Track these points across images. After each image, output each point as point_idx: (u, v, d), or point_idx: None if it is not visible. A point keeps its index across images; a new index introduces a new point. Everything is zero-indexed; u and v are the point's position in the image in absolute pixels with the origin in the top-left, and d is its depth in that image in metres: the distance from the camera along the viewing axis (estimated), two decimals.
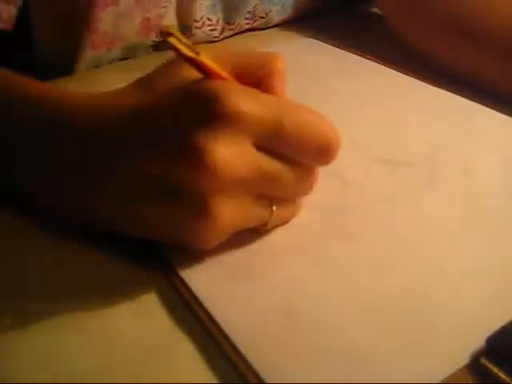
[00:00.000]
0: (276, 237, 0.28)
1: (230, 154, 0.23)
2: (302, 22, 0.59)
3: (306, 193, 0.28)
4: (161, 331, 0.24)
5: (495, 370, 0.21)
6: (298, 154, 0.25)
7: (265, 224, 0.27)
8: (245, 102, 0.23)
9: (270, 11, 0.56)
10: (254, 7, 0.54)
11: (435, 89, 0.43)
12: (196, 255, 0.27)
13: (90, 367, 0.22)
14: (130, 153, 0.25)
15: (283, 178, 0.25)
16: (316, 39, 0.54)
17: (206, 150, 0.22)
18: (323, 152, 0.25)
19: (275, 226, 0.28)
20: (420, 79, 0.44)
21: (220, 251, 0.27)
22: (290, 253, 0.27)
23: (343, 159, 0.34)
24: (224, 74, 0.25)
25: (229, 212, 0.24)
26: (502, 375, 0.21)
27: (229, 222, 0.24)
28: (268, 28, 0.58)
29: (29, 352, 0.23)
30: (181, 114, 0.24)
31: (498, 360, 0.21)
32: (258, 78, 0.27)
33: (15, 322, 0.24)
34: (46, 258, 0.28)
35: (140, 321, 0.24)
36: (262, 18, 0.56)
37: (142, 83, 0.28)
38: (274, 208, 0.26)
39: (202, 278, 0.26)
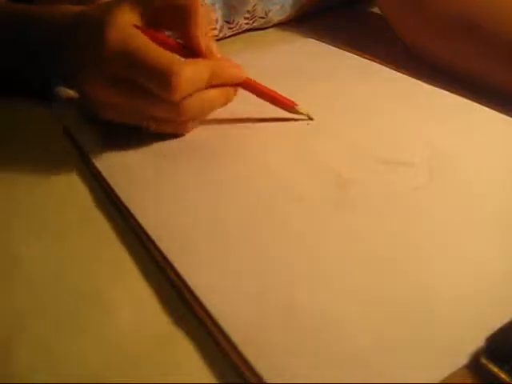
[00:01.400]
0: (277, 238, 0.28)
1: (98, 76, 0.33)
2: (302, 22, 0.59)
3: (173, 118, 0.34)
4: (161, 330, 0.24)
5: (495, 369, 0.21)
6: (145, 83, 0.32)
7: (147, 128, 0.35)
8: (113, 41, 0.31)
9: (270, 11, 0.56)
10: (254, 7, 0.54)
11: (435, 89, 0.43)
12: (195, 254, 0.27)
13: (90, 367, 0.22)
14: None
15: (141, 101, 0.33)
16: (316, 39, 0.54)
17: (85, 71, 0.33)
18: (160, 82, 0.31)
19: (158, 132, 0.35)
20: (420, 79, 0.44)
21: (220, 248, 0.27)
22: (290, 252, 0.27)
23: (344, 158, 0.34)
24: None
25: (111, 114, 0.35)
26: (502, 375, 0.21)
27: (113, 119, 0.35)
28: (268, 28, 0.59)
29: (30, 352, 0.23)
30: (86, 39, 0.33)
31: (497, 360, 0.21)
32: (176, 19, 0.34)
33: (15, 321, 0.24)
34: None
35: (140, 320, 0.24)
36: (262, 17, 0.56)
37: None
38: (152, 122, 0.35)
39: (201, 277, 0.26)
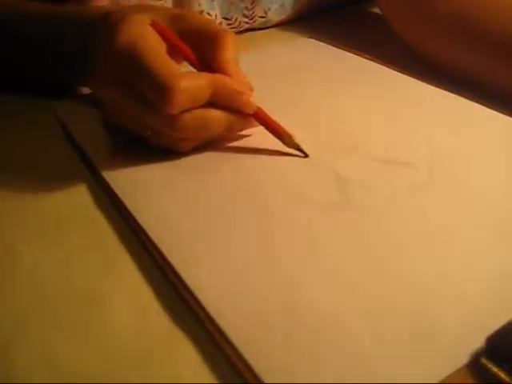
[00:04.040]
0: (278, 236, 0.28)
1: (107, 79, 0.33)
2: (302, 21, 0.59)
3: (169, 133, 0.33)
4: (161, 331, 0.24)
5: (495, 369, 0.21)
6: (145, 91, 0.31)
7: (145, 138, 0.34)
8: (121, 43, 0.31)
9: (269, 9, 0.56)
10: (253, 3, 0.54)
11: (435, 89, 0.43)
12: (194, 253, 0.27)
13: (90, 367, 0.22)
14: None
15: (139, 110, 0.32)
16: (316, 39, 0.54)
17: (98, 72, 0.34)
18: (156, 90, 0.31)
19: (157, 145, 0.34)
20: (420, 79, 0.44)
21: (220, 248, 0.27)
22: (289, 251, 0.27)
23: (343, 158, 0.34)
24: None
25: (117, 118, 0.34)
26: (502, 375, 0.21)
27: (119, 122, 0.34)
28: (268, 28, 0.59)
29: (29, 352, 0.23)
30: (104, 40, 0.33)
31: (497, 360, 0.21)
32: (206, 42, 0.34)
33: (15, 321, 0.25)
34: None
35: (140, 321, 0.24)
36: (262, 17, 0.56)
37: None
38: (148, 132, 0.33)
39: (201, 277, 0.26)
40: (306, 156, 0.34)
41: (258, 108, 0.34)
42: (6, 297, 0.26)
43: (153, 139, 0.34)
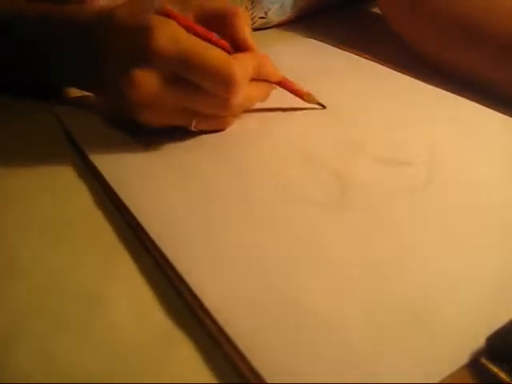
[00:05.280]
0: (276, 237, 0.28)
1: (148, 78, 0.32)
2: (302, 22, 0.59)
3: (222, 114, 0.36)
4: (161, 330, 0.24)
5: (495, 369, 0.21)
6: (202, 81, 0.32)
7: (189, 126, 0.36)
8: (163, 41, 0.31)
9: (269, 10, 0.56)
10: (252, 4, 0.54)
11: (435, 89, 0.43)
12: (194, 252, 0.27)
13: (90, 367, 0.22)
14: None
15: (193, 99, 0.33)
16: (316, 39, 0.54)
17: (132, 74, 0.32)
18: (220, 81, 0.32)
19: (201, 130, 0.36)
20: (420, 79, 0.44)
21: (220, 247, 0.27)
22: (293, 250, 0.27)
23: (343, 158, 0.34)
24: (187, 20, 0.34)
25: (153, 117, 0.34)
26: (502, 375, 0.21)
27: (153, 121, 0.35)
28: (268, 28, 0.59)
29: (29, 352, 0.23)
30: (126, 41, 0.33)
31: (497, 360, 0.21)
32: (223, 25, 0.36)
33: (14, 321, 0.25)
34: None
35: (140, 320, 0.24)
36: (262, 18, 0.56)
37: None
38: (194, 120, 0.35)
39: (201, 276, 0.26)
40: (324, 107, 0.40)
41: (283, 76, 0.39)
42: (5, 297, 0.26)
43: (200, 125, 0.36)
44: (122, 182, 0.32)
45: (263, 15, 0.56)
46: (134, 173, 0.33)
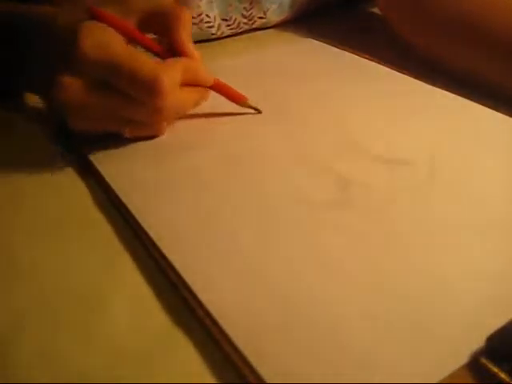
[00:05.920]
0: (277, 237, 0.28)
1: (74, 83, 0.32)
2: (302, 22, 0.59)
3: (152, 121, 0.36)
4: (161, 330, 0.24)
5: (495, 369, 0.21)
6: (128, 89, 0.32)
7: (122, 133, 0.35)
8: (88, 47, 0.32)
9: (268, 10, 0.56)
10: (251, 4, 0.54)
11: (435, 88, 0.43)
12: (194, 252, 0.27)
13: (90, 367, 0.22)
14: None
15: (121, 106, 0.33)
16: (316, 39, 0.54)
17: (59, 78, 0.32)
18: (146, 89, 0.32)
19: (135, 137, 0.36)
20: (419, 79, 0.44)
21: (220, 247, 0.27)
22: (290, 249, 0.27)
23: (343, 158, 0.34)
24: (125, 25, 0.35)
25: (84, 123, 0.34)
26: (502, 375, 0.21)
27: (86, 127, 0.34)
28: (267, 28, 0.59)
29: (29, 352, 0.23)
30: (58, 45, 0.33)
31: (497, 360, 0.21)
32: (165, 26, 0.36)
33: (15, 321, 0.25)
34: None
35: (140, 320, 0.24)
36: (261, 18, 0.56)
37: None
38: (127, 127, 0.35)
39: (201, 276, 0.26)
40: (260, 112, 0.40)
41: (215, 79, 0.38)
42: (5, 297, 0.26)
43: (132, 131, 0.35)
44: (122, 182, 0.32)
45: (262, 15, 0.56)
46: (134, 173, 0.33)
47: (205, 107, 0.39)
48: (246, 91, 0.39)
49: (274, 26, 0.59)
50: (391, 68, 0.47)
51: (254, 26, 0.57)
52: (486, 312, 0.24)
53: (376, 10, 0.61)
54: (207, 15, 0.52)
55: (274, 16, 0.57)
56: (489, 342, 0.22)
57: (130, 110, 0.34)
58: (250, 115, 0.39)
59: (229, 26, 0.55)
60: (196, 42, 0.53)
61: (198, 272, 0.26)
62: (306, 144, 0.36)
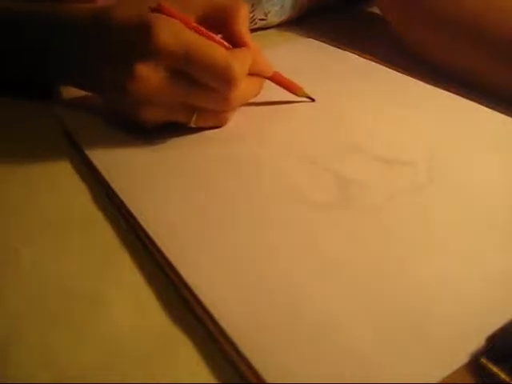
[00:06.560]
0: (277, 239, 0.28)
1: (151, 73, 0.33)
2: (302, 22, 0.59)
3: (221, 109, 0.36)
4: (161, 330, 0.24)
5: (495, 369, 0.21)
6: (202, 76, 0.33)
7: (188, 123, 0.36)
8: (165, 37, 0.32)
9: (269, 12, 0.56)
10: (253, 6, 0.55)
11: (435, 88, 0.43)
12: (194, 253, 0.27)
13: (90, 367, 0.22)
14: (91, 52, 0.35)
15: (194, 94, 0.34)
16: (316, 39, 0.54)
17: (135, 69, 0.32)
18: (220, 76, 0.33)
19: (201, 127, 0.37)
20: (420, 79, 0.44)
21: (220, 248, 0.27)
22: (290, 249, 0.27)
23: (343, 158, 0.34)
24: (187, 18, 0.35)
25: (153, 113, 0.35)
26: (502, 375, 0.21)
27: (154, 117, 0.35)
28: (268, 28, 0.59)
29: (29, 352, 0.23)
30: (126, 38, 0.33)
31: (497, 359, 0.21)
32: (223, 21, 0.37)
33: (15, 321, 0.25)
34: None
35: (140, 320, 0.24)
36: (262, 19, 0.56)
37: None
38: (195, 115, 0.36)
39: (201, 276, 0.26)
40: (313, 100, 0.41)
41: (275, 71, 0.40)
42: (5, 297, 0.26)
43: (200, 121, 0.36)
44: (122, 182, 0.32)
45: (263, 17, 0.56)
46: (134, 173, 0.33)
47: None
48: None
49: (274, 27, 0.59)
50: (391, 68, 0.47)
51: (254, 27, 0.57)
52: (486, 312, 0.24)
53: (376, 10, 0.61)
54: None
55: (275, 17, 0.57)
56: (489, 342, 0.22)
57: (202, 98, 0.34)
58: (249, 115, 0.39)
59: None
60: None
61: (198, 272, 0.26)
62: (305, 144, 0.36)
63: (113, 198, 0.32)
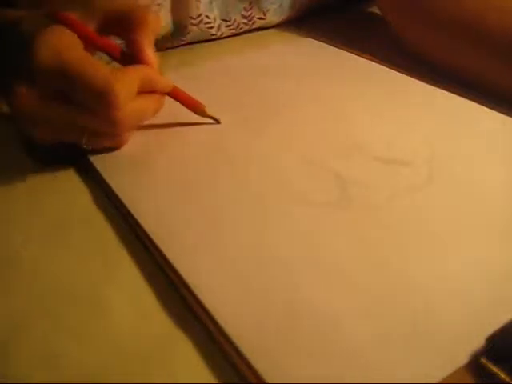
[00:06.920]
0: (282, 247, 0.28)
1: (30, 91, 0.31)
2: (302, 22, 0.59)
3: (110, 131, 0.34)
4: (160, 330, 0.24)
5: (495, 369, 0.21)
6: (82, 98, 0.31)
7: (81, 144, 0.34)
8: (43, 56, 0.31)
9: (268, 11, 0.56)
10: (251, 4, 0.54)
11: (435, 89, 0.43)
12: (194, 253, 0.27)
13: (90, 367, 0.22)
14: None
15: (78, 115, 0.32)
16: (316, 39, 0.54)
17: (16, 85, 0.32)
18: (99, 99, 0.31)
19: (94, 148, 0.35)
20: (420, 79, 0.44)
21: (220, 248, 0.27)
22: (291, 249, 0.27)
23: (343, 158, 0.34)
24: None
25: (42, 132, 0.33)
26: (502, 375, 0.21)
27: (44, 136, 0.34)
28: (268, 28, 0.59)
29: (29, 352, 0.23)
30: (21, 53, 0.32)
31: (497, 359, 0.21)
32: (126, 27, 0.35)
33: (15, 322, 0.25)
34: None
35: (140, 320, 0.24)
36: (261, 18, 0.56)
37: None
38: (85, 137, 0.33)
39: (201, 276, 0.26)
40: (219, 122, 0.38)
41: (174, 87, 0.37)
42: (5, 297, 0.26)
43: (91, 143, 0.34)
44: (122, 182, 0.32)
45: (262, 16, 0.56)
46: (134, 173, 0.33)
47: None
48: (246, 91, 0.40)
49: (274, 26, 0.59)
50: (391, 68, 0.47)
51: (253, 27, 0.57)
52: (486, 312, 0.24)
53: (376, 10, 0.61)
54: (207, 16, 0.52)
55: (274, 17, 0.57)
56: (489, 342, 0.22)
57: (87, 120, 0.32)
58: (249, 114, 0.39)
59: (229, 26, 0.55)
60: (196, 42, 0.54)
61: (198, 272, 0.26)
62: (305, 144, 0.36)
63: (113, 198, 0.32)
